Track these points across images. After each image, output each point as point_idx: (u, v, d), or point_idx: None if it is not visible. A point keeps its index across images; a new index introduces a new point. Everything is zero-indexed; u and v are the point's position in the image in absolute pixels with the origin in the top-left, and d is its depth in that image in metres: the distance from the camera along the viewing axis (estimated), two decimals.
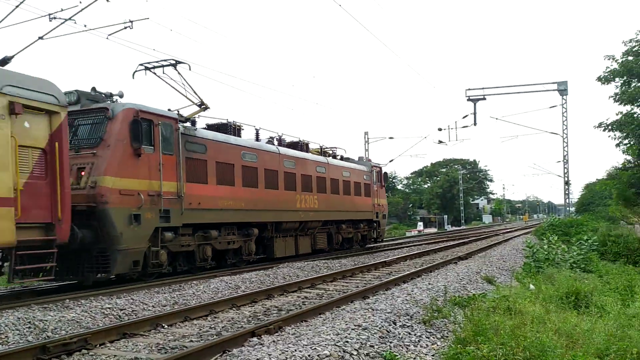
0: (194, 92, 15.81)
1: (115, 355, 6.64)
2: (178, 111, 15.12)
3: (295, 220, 19.53)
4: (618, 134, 24.67)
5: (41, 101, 10.18)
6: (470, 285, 11.92)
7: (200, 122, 16.44)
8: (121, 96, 13.51)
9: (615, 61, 25.34)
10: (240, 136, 17.52)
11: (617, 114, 24.47)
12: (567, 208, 44.49)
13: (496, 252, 21.17)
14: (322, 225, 21.80)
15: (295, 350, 5.92)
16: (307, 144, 21.90)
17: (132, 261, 12.50)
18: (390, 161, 43.26)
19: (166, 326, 8.27)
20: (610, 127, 24.73)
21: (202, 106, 15.98)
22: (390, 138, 47.05)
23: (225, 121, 17.11)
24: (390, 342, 6.81)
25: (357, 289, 11.38)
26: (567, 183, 36.99)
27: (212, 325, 8.40)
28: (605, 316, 8.21)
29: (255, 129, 18.86)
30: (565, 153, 36.13)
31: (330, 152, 24.10)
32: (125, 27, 14.91)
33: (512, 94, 36.73)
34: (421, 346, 6.97)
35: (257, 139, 18.94)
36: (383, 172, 28.16)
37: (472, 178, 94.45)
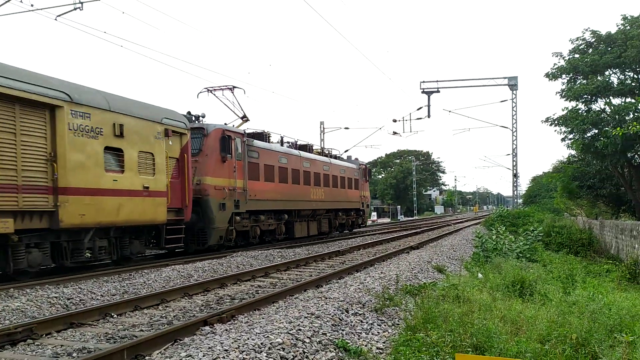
0: (241, 108, 20.81)
1: (62, 345, 6.46)
2: (226, 123, 19.27)
3: (309, 209, 24.56)
4: (564, 128, 25.51)
5: (178, 127, 15.15)
6: (421, 274, 12.18)
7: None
8: (203, 116, 18.06)
9: (563, 58, 26.22)
10: (269, 142, 21.88)
11: (563, 110, 25.32)
12: (515, 200, 45.95)
13: (447, 242, 21.67)
14: (325, 212, 26.72)
15: (248, 339, 5.92)
16: (312, 146, 26.71)
17: (219, 236, 17.36)
18: (346, 151, 43.39)
19: (115, 315, 8.11)
20: (556, 122, 25.57)
21: (244, 118, 20.82)
22: (346, 128, 47.59)
23: (260, 131, 21.52)
24: (343, 330, 6.90)
25: (310, 278, 11.44)
26: (515, 175, 38.19)
27: (164, 315, 8.28)
28: (548, 303, 8.54)
29: (280, 137, 23.84)
30: (515, 146, 37.27)
31: (328, 152, 29.25)
32: (75, 9, 14.46)
33: (465, 88, 37.59)
34: (372, 334, 7.09)
35: (282, 144, 23.49)
36: (367, 169, 33.06)
37: (425, 169, 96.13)
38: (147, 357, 5.72)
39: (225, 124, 18.93)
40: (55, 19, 14.98)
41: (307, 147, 25.89)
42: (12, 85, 10.24)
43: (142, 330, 7.17)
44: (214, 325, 7.03)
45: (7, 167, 10.23)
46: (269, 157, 20.88)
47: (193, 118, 17.69)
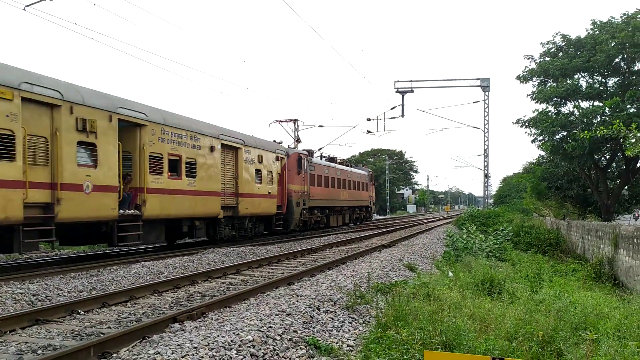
0: (297, 134, 31.92)
1: (26, 342, 6.30)
2: (288, 146, 30.14)
3: (339, 206, 34.39)
4: (534, 130, 25.94)
5: (281, 154, 24.79)
6: (392, 273, 12.26)
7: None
8: (280, 142, 27.21)
9: (534, 61, 26.69)
10: (313, 156, 30.31)
11: (533, 112, 25.74)
12: (486, 200, 46.61)
13: (419, 241, 21.87)
14: (348, 209, 36.44)
15: (218, 336, 5.87)
16: (336, 158, 35.87)
17: (295, 224, 26.32)
18: (320, 149, 43.29)
19: (82, 312, 7.96)
20: (527, 124, 26.01)
21: (298, 141, 32.45)
22: (320, 126, 47.40)
23: (309, 149, 29.71)
24: (314, 328, 6.90)
25: (282, 275, 11.41)
26: (486, 176, 38.72)
27: (132, 312, 8.16)
28: (516, 302, 8.68)
29: (320, 153, 33.81)
30: (486, 147, 37.79)
31: (348, 162, 39.25)
32: None
33: (439, 88, 37.94)
34: (344, 331, 7.11)
35: (321, 158, 33.06)
36: (373, 175, 42.30)
37: (398, 168, 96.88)
38: (114, 355, 5.62)
39: (290, 146, 29.71)
40: (24, 9, 14.61)
41: (335, 159, 35.29)
42: (234, 141, 20.30)
43: (109, 328, 7.05)
44: (184, 322, 6.96)
45: (219, 181, 19.03)
46: (319, 169, 30.65)
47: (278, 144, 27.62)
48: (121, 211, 13.93)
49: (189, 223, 17.85)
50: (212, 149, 18.51)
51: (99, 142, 13.17)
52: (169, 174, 16.23)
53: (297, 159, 26.80)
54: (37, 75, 11.88)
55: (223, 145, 19.34)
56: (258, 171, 22.01)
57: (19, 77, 11.22)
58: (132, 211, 14.48)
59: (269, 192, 23.03)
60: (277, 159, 24.10)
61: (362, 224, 39.61)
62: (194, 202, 17.34)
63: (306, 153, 28.18)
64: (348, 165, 37.98)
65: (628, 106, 22.24)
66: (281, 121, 30.14)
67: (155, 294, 9.62)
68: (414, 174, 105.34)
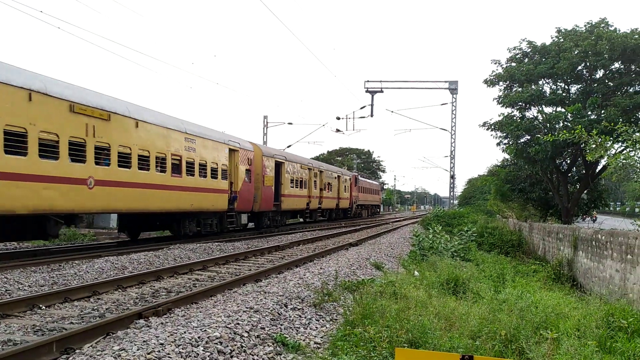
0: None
1: None
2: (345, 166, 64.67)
3: (364, 204, 54.56)
4: (499, 133, 26.48)
5: (348, 176, 45.88)
6: (360, 271, 12.34)
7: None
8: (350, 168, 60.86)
9: (501, 66, 27.22)
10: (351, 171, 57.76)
11: (499, 115, 26.31)
12: (452, 201, 47.35)
13: (385, 240, 22.06)
14: (370, 206, 58.87)
15: (185, 332, 5.80)
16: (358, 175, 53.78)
17: (354, 212, 48.67)
18: (288, 146, 43.52)
19: (44, 307, 7.76)
20: (492, 127, 26.53)
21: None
22: (289, 124, 47.07)
23: (354, 172, 55.85)
24: (281, 325, 6.89)
25: (250, 272, 11.36)
26: (452, 177, 39.34)
27: (95, 307, 7.99)
28: (480, 301, 8.86)
29: (355, 175, 49.39)
30: (453, 149, 38.40)
31: (367, 177, 62.13)
32: None
33: (408, 89, 38.35)
34: (311, 328, 7.13)
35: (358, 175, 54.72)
36: (356, 177, 51.58)
37: (366, 167, 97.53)
38: (77, 351, 5.50)
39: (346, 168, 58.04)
40: None
41: (364, 176, 59.61)
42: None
43: (72, 323, 6.89)
44: (149, 318, 6.86)
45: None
46: (361, 183, 51.68)
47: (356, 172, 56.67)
48: None
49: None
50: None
51: None
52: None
53: (355, 179, 48.09)
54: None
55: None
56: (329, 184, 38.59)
57: (273, 152, 20.58)
58: None
59: (339, 197, 41.74)
60: (353, 180, 47.73)
61: (374, 216, 61.10)
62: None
63: (357, 174, 51.09)
64: (369, 179, 62.64)
65: (589, 113, 22.90)
66: (342, 155, 56.99)
67: (120, 290, 9.45)
68: (381, 173, 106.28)
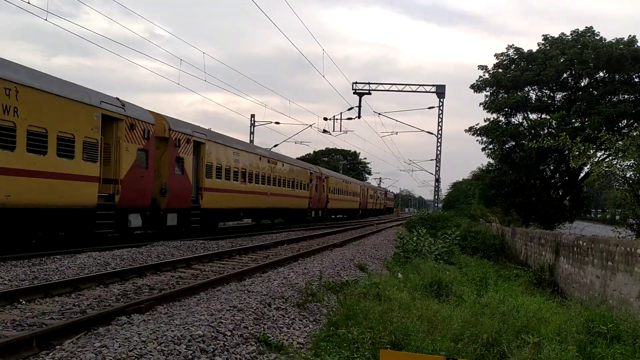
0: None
1: None
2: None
3: (375, 209, 75.52)
4: (485, 138, 26.76)
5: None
6: (344, 272, 12.36)
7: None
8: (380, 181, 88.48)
9: (488, 72, 27.47)
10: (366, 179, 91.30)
11: (485, 120, 26.53)
12: (436, 204, 47.62)
13: (370, 242, 22.12)
14: (384, 209, 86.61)
15: (167, 330, 5.76)
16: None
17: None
18: (275, 146, 43.50)
19: (24, 302, 7.64)
20: (478, 132, 26.78)
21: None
22: (277, 123, 47.02)
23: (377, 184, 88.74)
24: (265, 324, 6.88)
25: (233, 271, 11.31)
26: (437, 180, 39.57)
27: (77, 303, 7.90)
28: (462, 304, 8.92)
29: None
30: (438, 152, 38.64)
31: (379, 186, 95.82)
32: None
33: (396, 92, 38.46)
34: (294, 328, 7.12)
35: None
36: (389, 190, 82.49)
37: (352, 169, 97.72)
38: (57, 347, 5.43)
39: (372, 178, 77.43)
40: None
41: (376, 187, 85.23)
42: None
43: (52, 319, 6.80)
44: (132, 315, 6.80)
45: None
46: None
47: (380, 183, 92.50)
48: None
49: None
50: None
51: None
52: None
53: (386, 191, 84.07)
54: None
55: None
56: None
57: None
58: None
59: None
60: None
61: (380, 216, 71.85)
62: None
63: (385, 188, 79.42)
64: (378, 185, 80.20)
65: (573, 120, 23.23)
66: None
67: (102, 286, 9.35)
68: (367, 175, 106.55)
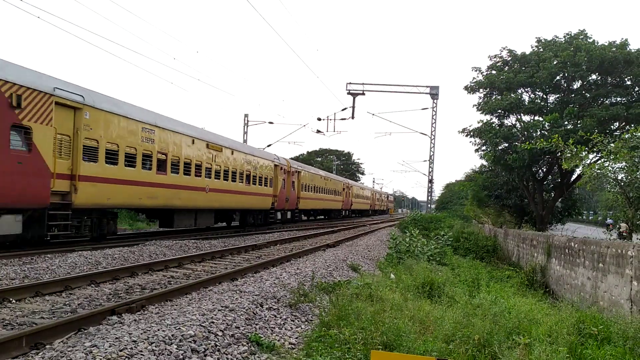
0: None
1: None
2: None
3: (381, 209, 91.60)
4: (478, 140, 26.78)
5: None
6: (336, 272, 12.35)
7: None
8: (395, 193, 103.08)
9: (481, 73, 27.52)
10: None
11: (478, 122, 26.57)
12: (429, 205, 47.72)
13: (362, 242, 22.12)
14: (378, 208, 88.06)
15: (158, 330, 5.74)
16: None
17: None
18: (269, 146, 43.29)
19: (14, 301, 7.60)
20: (471, 134, 26.80)
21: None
22: (270, 123, 46.88)
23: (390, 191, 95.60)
24: (256, 324, 6.86)
25: (226, 271, 11.28)
26: (430, 181, 39.64)
27: (67, 302, 7.86)
28: (454, 305, 8.93)
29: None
30: (432, 153, 38.71)
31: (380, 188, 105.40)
32: None
33: (390, 93, 38.52)
34: (286, 329, 7.11)
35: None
36: (391, 193, 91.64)
37: (346, 169, 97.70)
38: (47, 346, 5.39)
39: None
40: None
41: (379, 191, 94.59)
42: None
43: (43, 318, 6.77)
44: (123, 315, 6.77)
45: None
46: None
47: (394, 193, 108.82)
48: None
49: None
50: None
51: None
52: None
53: (391, 196, 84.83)
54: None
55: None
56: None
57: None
58: None
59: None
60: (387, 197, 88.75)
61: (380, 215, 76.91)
62: None
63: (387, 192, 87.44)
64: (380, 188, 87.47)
65: (565, 122, 23.30)
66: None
67: (93, 285, 9.30)
68: (360, 175, 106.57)
